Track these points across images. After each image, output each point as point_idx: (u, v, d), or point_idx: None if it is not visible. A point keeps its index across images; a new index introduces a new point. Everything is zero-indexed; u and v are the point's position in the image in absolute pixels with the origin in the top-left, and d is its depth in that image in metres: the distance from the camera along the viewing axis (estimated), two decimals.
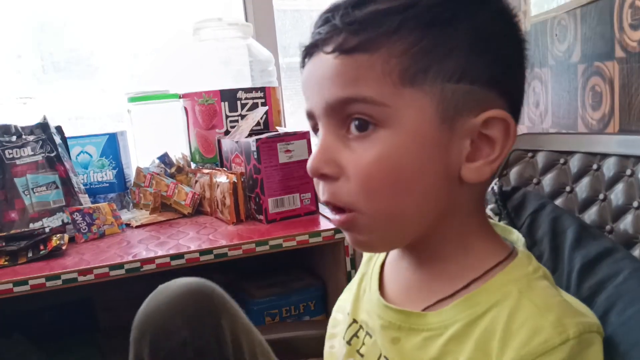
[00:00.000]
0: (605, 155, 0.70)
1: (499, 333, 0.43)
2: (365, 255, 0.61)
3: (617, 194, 0.66)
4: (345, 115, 0.45)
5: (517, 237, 0.53)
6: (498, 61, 0.46)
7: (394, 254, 0.56)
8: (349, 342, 0.55)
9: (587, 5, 0.84)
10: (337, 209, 0.47)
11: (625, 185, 0.65)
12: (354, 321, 0.56)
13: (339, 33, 0.44)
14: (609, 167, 0.69)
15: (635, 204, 0.63)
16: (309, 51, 0.47)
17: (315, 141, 0.51)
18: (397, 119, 0.44)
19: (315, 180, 0.49)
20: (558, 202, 0.74)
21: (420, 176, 0.45)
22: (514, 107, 0.48)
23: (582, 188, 0.72)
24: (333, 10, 0.45)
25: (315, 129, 0.50)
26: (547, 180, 0.78)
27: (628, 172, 0.65)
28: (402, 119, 0.44)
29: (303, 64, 0.49)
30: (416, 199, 0.46)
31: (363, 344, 0.54)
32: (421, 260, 0.51)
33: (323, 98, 0.46)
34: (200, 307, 0.68)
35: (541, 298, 0.45)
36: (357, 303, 0.57)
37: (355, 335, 0.55)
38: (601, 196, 0.69)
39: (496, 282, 0.47)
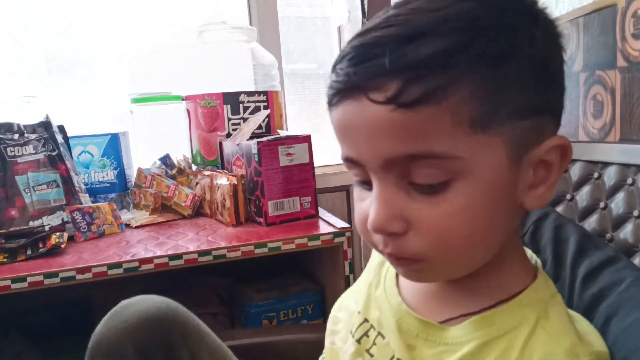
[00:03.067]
0: (606, 164, 0.70)
1: (514, 359, 0.43)
2: (375, 260, 0.60)
3: (617, 203, 0.66)
4: (409, 168, 0.40)
5: (530, 255, 0.53)
6: (556, 87, 0.44)
7: None
8: (358, 341, 0.54)
9: (589, 15, 0.85)
10: (401, 259, 0.44)
11: (626, 194, 0.65)
12: (365, 320, 0.55)
13: (393, 79, 0.37)
14: (609, 176, 0.69)
15: (635, 212, 0.63)
16: (346, 93, 0.40)
17: (356, 188, 0.47)
18: (470, 169, 0.40)
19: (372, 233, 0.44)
20: (558, 210, 0.74)
21: (494, 220, 0.43)
22: (559, 122, 0.46)
23: (583, 196, 0.72)
24: (377, 45, 0.38)
25: (360, 178, 0.45)
26: None
27: (629, 181, 0.65)
28: (475, 168, 0.40)
29: (332, 104, 0.42)
30: (488, 243, 0.44)
31: (374, 344, 0.52)
32: None
33: (379, 154, 0.40)
34: (155, 339, 0.67)
35: (556, 327, 0.44)
36: (368, 302, 0.56)
37: (366, 334, 0.54)
38: (602, 205, 0.69)
39: (514, 304, 0.46)
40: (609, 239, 0.66)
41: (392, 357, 0.50)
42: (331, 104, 0.43)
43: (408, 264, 0.44)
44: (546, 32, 0.43)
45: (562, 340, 0.43)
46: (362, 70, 0.39)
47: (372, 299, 0.56)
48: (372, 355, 0.52)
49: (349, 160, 0.44)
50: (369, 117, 0.39)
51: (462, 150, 0.39)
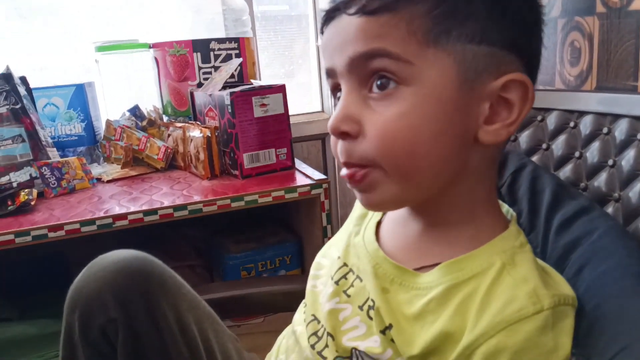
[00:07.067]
0: (582, 113, 0.70)
1: (478, 301, 0.45)
2: (357, 211, 0.61)
3: (592, 152, 0.67)
4: (368, 71, 0.46)
5: (507, 210, 0.54)
6: (516, 24, 0.46)
7: (396, 214, 0.56)
8: (337, 283, 0.57)
9: None
10: (353, 167, 0.48)
11: (601, 143, 0.66)
12: (344, 264, 0.57)
13: None
14: (585, 125, 0.69)
15: (610, 162, 0.64)
16: (331, 15, 0.47)
17: (333, 102, 0.52)
18: (419, 78, 0.44)
19: (332, 142, 0.49)
20: (534, 159, 0.75)
21: (438, 137, 0.45)
22: (531, 69, 0.49)
23: (559, 145, 0.72)
24: None
25: (335, 89, 0.50)
26: (524, 137, 0.78)
27: (604, 130, 0.66)
28: (424, 78, 0.44)
29: (322, 30, 0.49)
30: (433, 159, 0.46)
31: (352, 285, 0.55)
32: (426, 225, 0.52)
33: (346, 55, 0.46)
34: (133, 286, 0.66)
35: (521, 273, 0.46)
36: (348, 249, 0.58)
37: (344, 277, 0.57)
38: (577, 154, 0.69)
39: (483, 251, 0.48)
40: (583, 187, 0.67)
41: (367, 298, 0.52)
42: (322, 31, 0.50)
43: (360, 176, 0.47)
44: None
45: (524, 284, 0.45)
46: None
47: (351, 246, 0.58)
48: (348, 296, 0.55)
49: (327, 72, 0.50)
50: (343, 27, 0.46)
51: (412, 56, 0.44)
